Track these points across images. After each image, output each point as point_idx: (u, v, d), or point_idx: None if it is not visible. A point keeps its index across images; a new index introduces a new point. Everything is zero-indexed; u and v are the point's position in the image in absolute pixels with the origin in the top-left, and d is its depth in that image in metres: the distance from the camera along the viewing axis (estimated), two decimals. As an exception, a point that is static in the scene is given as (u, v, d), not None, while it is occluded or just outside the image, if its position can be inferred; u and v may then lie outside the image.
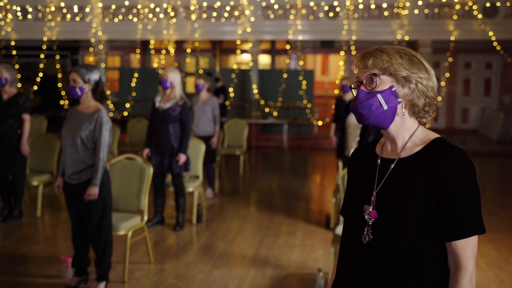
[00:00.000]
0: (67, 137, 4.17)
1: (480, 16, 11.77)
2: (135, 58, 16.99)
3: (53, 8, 12.93)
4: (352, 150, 5.63)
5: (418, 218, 1.62)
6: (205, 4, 12.55)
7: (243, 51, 15.94)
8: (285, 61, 14.92)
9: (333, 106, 14.49)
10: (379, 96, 1.65)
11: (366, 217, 1.69)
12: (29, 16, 13.11)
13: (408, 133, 1.71)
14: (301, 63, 14.29)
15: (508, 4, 11.65)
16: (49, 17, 12.96)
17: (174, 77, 5.94)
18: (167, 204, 6.98)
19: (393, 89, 1.66)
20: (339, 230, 4.40)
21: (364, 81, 1.69)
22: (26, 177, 6.35)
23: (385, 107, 1.66)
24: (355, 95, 1.72)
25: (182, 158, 5.91)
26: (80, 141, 4.11)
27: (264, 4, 12.40)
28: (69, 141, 4.15)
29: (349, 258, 1.80)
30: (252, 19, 12.44)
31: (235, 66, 16.03)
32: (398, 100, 1.67)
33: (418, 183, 1.63)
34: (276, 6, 12.38)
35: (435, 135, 1.72)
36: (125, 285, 4.51)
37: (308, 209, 7.25)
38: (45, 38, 13.15)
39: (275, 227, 6.25)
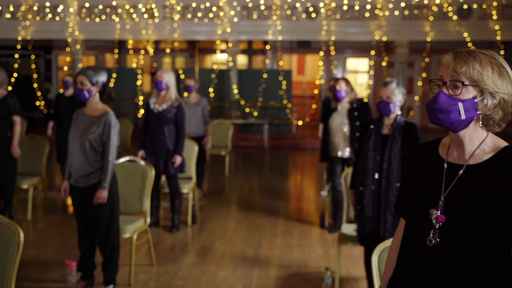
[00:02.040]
0: (74, 140, 4.12)
1: (455, 17, 12.06)
2: (110, 58, 16.78)
3: (28, 7, 12.67)
4: (340, 151, 5.73)
5: (487, 225, 1.65)
6: (183, 4, 12.49)
7: (222, 51, 15.93)
8: (265, 61, 14.98)
9: (314, 106, 14.75)
10: (460, 104, 1.66)
11: (433, 221, 1.72)
12: (7, 15, 12.79)
13: (477, 141, 1.72)
14: (281, 63, 14.35)
15: (484, 6, 11.95)
16: (28, 16, 12.68)
17: (169, 78, 5.92)
18: (161, 205, 6.94)
19: (475, 101, 1.66)
20: (346, 229, 4.47)
21: (447, 84, 1.69)
22: (16, 180, 6.24)
23: (463, 116, 1.66)
24: (434, 93, 1.72)
25: (178, 159, 5.89)
26: (89, 144, 4.07)
27: (243, 4, 12.43)
28: (77, 144, 4.10)
29: (410, 258, 1.84)
30: (234, 19, 12.45)
31: (215, 66, 16.02)
32: (477, 112, 1.67)
33: (488, 191, 1.65)
34: (255, 7, 12.41)
35: (504, 143, 1.74)
36: (131, 288, 4.50)
37: (299, 208, 7.33)
38: (19, 38, 12.87)
39: (270, 227, 6.30)
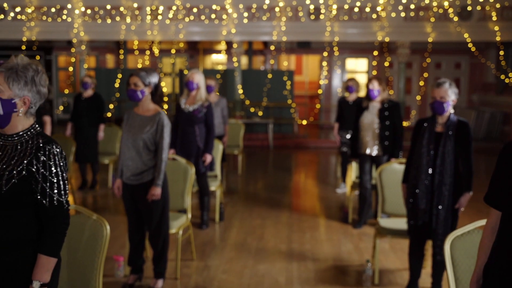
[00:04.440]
0: (128, 140, 4.28)
1: (456, 19, 12.36)
2: (111, 59, 16.86)
3: (32, 8, 12.72)
4: (369, 148, 5.96)
5: None
6: (188, 5, 12.63)
7: (217, 51, 16.08)
8: (270, 62, 15.14)
9: (318, 106, 14.99)
10: None
11: None
12: (11, 16, 12.83)
13: None
14: (285, 63, 14.55)
15: (485, 7, 12.26)
16: (31, 16, 12.73)
17: (199, 78, 6.07)
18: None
19: None
20: (384, 223, 4.69)
21: None
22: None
23: None
24: None
25: (208, 158, 6.05)
26: (143, 143, 4.23)
27: (247, 6, 12.61)
28: (131, 143, 4.26)
29: (509, 247, 2.03)
30: (238, 21, 12.62)
31: (220, 67, 16.16)
32: None
33: None
34: (259, 8, 12.60)
35: None
36: (177, 281, 4.66)
37: (318, 205, 7.53)
38: (24, 38, 12.93)
39: (296, 223, 6.50)
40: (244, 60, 17.07)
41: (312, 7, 12.53)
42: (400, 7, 12.40)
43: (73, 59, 13.21)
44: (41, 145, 2.28)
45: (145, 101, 4.31)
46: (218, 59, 18.29)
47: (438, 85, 3.96)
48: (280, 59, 15.97)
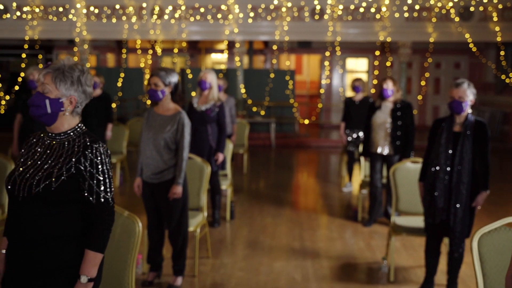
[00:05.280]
0: (148, 139, 4.33)
1: (457, 19, 12.45)
2: (111, 58, 16.87)
3: (35, 8, 12.72)
4: (380, 147, 6.04)
5: None
6: (191, 4, 12.68)
7: (218, 51, 16.12)
8: (272, 61, 15.20)
9: (320, 105, 15.06)
10: None
11: None
12: (15, 15, 12.83)
13: None
14: (287, 63, 14.64)
15: (489, 8, 12.36)
16: (34, 15, 12.74)
17: (212, 78, 6.12)
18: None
19: None
20: (399, 221, 4.76)
21: None
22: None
23: None
24: None
25: (220, 157, 6.11)
26: (164, 143, 4.29)
27: (250, 6, 12.66)
28: (151, 143, 4.31)
29: None
30: (241, 20, 12.68)
31: (223, 66, 16.20)
32: None
33: None
34: (263, 8, 12.66)
35: None
36: (195, 279, 4.71)
37: (326, 204, 7.60)
38: (26, 37, 12.93)
39: (306, 222, 6.56)
40: (245, 59, 17.12)
41: (315, 7, 12.60)
42: (402, 7, 12.48)
43: (75, 58, 13.20)
44: (88, 143, 2.35)
45: (165, 101, 4.36)
46: (218, 59, 18.34)
47: (457, 85, 4.04)
48: (281, 59, 16.03)
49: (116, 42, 16.35)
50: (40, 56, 13.94)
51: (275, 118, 13.63)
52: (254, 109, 13.68)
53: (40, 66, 15.10)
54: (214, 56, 18.21)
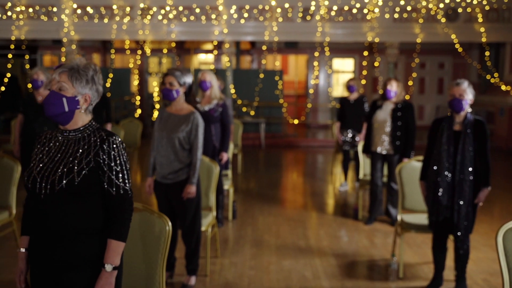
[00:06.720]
0: (162, 139, 4.35)
1: (443, 20, 12.66)
2: (97, 58, 16.72)
3: (22, 7, 12.57)
4: (380, 146, 6.14)
5: None
6: (180, 5, 12.66)
7: (205, 51, 16.11)
8: (262, 62, 15.25)
9: (309, 106, 15.16)
10: None
11: None
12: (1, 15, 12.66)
13: None
14: (277, 63, 14.71)
15: (473, 9, 12.59)
16: (20, 15, 12.58)
17: (211, 77, 6.14)
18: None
19: None
20: (408, 218, 4.85)
21: None
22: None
23: None
24: None
25: (225, 157, 6.14)
26: (178, 142, 4.30)
27: (240, 6, 12.69)
28: (166, 142, 4.32)
29: None
30: (231, 21, 12.70)
31: (211, 67, 16.18)
32: None
33: None
34: (252, 8, 12.70)
35: None
36: (207, 278, 4.74)
37: (325, 202, 7.68)
38: (13, 38, 12.76)
39: (308, 220, 6.63)
40: (232, 60, 17.14)
41: (304, 7, 12.68)
42: (390, 8, 12.64)
43: (63, 59, 13.07)
44: (104, 137, 2.42)
45: (179, 101, 4.38)
46: (204, 59, 18.32)
47: (457, 84, 4.18)
48: (268, 59, 16.09)
49: (102, 43, 16.22)
50: (26, 57, 13.75)
51: (264, 118, 13.69)
52: (244, 109, 13.72)
53: (27, 66, 14.96)
54: (201, 57, 18.18)
